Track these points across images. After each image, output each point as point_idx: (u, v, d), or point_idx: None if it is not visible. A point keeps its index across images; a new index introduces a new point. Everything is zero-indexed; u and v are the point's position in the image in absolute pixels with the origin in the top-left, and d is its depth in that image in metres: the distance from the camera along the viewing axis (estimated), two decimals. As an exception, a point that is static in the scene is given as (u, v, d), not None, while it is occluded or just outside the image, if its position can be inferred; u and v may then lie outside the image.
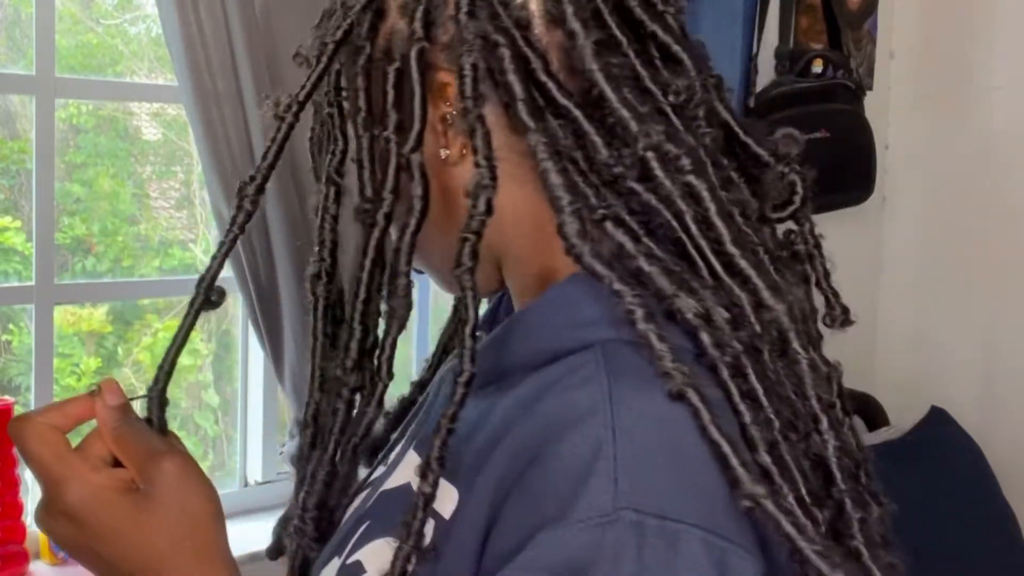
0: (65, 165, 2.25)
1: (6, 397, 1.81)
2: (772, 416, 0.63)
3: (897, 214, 2.71)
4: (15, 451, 1.76)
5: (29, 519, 1.85)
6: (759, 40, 2.38)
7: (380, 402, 0.75)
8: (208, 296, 0.73)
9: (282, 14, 1.83)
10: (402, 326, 0.70)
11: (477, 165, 0.65)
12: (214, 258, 0.73)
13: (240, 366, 2.17)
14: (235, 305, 2.17)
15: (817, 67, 2.47)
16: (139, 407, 0.73)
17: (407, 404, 0.89)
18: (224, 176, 1.80)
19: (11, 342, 2.29)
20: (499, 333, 0.70)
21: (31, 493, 1.88)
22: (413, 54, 0.68)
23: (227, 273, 1.86)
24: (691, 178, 0.65)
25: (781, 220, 0.72)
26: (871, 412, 2.56)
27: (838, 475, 0.65)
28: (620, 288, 0.62)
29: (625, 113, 0.65)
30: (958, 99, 2.60)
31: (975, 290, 2.57)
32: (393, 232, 0.71)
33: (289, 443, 2.01)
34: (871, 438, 2.43)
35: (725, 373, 0.63)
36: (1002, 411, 2.52)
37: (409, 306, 0.70)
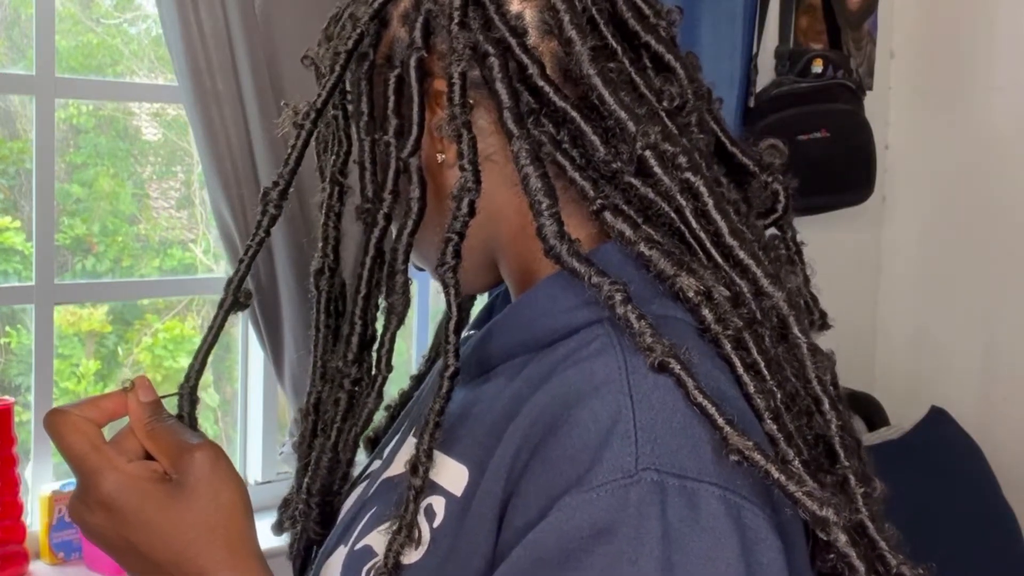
0: (65, 165, 2.25)
1: (6, 397, 1.80)
2: (775, 388, 0.65)
3: (897, 214, 2.71)
4: (15, 451, 1.77)
5: (29, 519, 1.85)
6: (759, 40, 2.37)
7: (379, 393, 0.78)
8: (237, 298, 0.78)
9: (282, 14, 1.83)
10: (400, 321, 0.74)
11: (462, 169, 0.68)
12: (241, 261, 0.77)
13: (240, 366, 2.17)
14: (235, 305, 2.16)
15: (817, 67, 2.47)
16: (169, 405, 0.76)
17: (406, 398, 0.92)
18: (224, 176, 1.80)
19: (11, 342, 2.29)
20: (496, 323, 0.73)
21: (31, 493, 1.88)
22: (412, 62, 0.71)
23: (228, 274, 1.86)
24: (689, 175, 0.67)
25: (765, 227, 0.75)
26: (871, 412, 2.56)
27: (841, 452, 0.66)
28: (598, 280, 0.64)
29: (623, 114, 0.67)
30: (958, 99, 2.60)
31: (975, 290, 2.57)
32: (392, 231, 0.74)
33: (289, 443, 2.01)
34: (871, 438, 2.43)
35: (728, 346, 0.65)
36: (1002, 411, 2.52)
37: (407, 303, 0.73)
